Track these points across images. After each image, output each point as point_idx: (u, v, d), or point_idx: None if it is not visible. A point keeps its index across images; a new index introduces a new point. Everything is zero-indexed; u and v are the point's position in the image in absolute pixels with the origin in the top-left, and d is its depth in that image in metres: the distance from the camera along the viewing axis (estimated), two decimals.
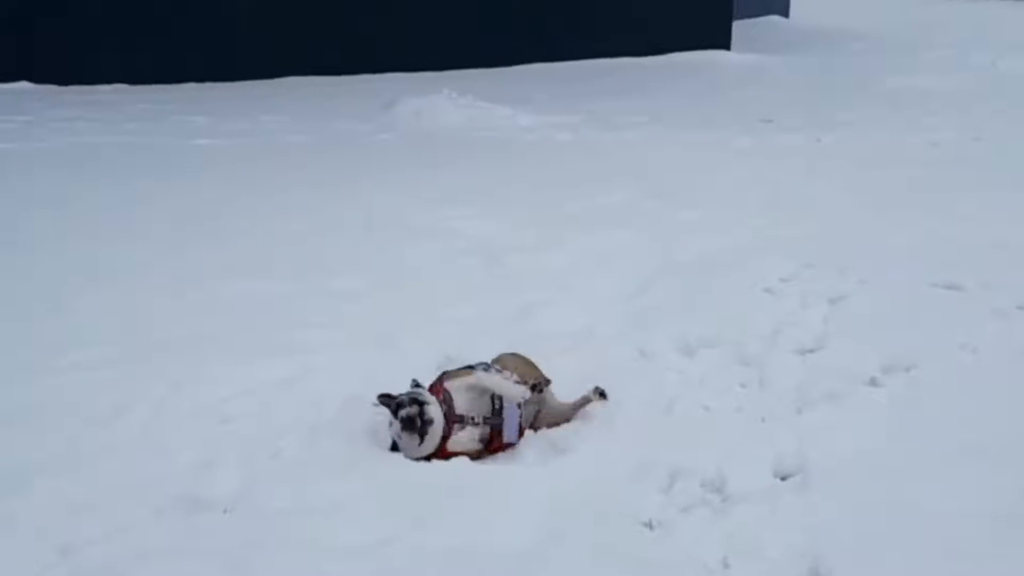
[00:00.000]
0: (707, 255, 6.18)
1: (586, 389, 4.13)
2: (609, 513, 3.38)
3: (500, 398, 3.83)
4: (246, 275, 5.85)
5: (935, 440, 3.80)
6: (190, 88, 13.92)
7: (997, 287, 5.43)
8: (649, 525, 3.34)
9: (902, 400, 4.20)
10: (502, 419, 3.83)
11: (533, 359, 4.16)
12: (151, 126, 10.84)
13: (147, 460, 3.72)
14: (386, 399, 3.77)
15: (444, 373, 3.98)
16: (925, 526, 3.24)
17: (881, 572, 3.04)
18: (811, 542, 3.16)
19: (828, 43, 20.46)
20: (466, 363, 4.09)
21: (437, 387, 3.83)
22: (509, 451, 3.85)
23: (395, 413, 3.70)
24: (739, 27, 19.44)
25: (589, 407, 4.09)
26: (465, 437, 3.77)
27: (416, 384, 3.88)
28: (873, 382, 4.36)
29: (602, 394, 4.12)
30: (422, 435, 3.69)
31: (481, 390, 3.82)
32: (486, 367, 3.97)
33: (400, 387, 3.84)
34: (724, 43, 18.12)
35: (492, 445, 3.83)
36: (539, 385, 4.00)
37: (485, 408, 3.82)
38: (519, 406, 3.86)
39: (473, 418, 3.79)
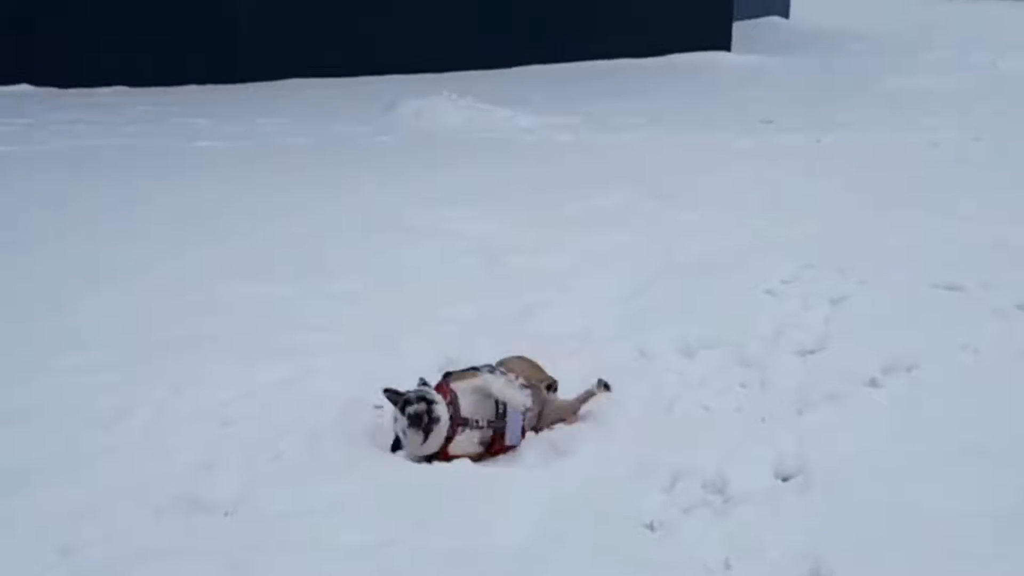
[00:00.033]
0: (707, 256, 6.18)
1: (589, 383, 4.14)
2: (610, 514, 3.37)
3: (504, 403, 3.83)
4: (246, 276, 5.85)
5: (936, 441, 3.80)
6: (191, 90, 13.92)
7: (997, 287, 5.42)
8: (650, 526, 3.34)
9: (903, 401, 4.20)
10: (505, 423, 3.82)
11: (539, 361, 4.16)
12: (151, 128, 10.84)
13: (147, 461, 3.72)
14: (393, 395, 3.76)
15: (449, 374, 3.97)
16: (926, 527, 3.24)
17: (882, 573, 3.04)
18: (812, 543, 3.16)
19: (828, 44, 20.45)
20: (468, 364, 4.09)
21: (443, 387, 3.82)
22: (510, 453, 3.84)
23: (402, 409, 3.69)
24: (739, 28, 19.44)
25: (594, 400, 4.10)
26: (467, 440, 3.76)
27: (423, 383, 3.88)
28: (874, 383, 4.36)
29: (606, 386, 4.13)
30: (427, 432, 3.68)
31: (486, 393, 3.82)
32: (491, 369, 3.96)
33: (401, 388, 3.84)
34: (724, 44, 18.11)
35: (493, 448, 3.83)
36: (553, 384, 4.03)
37: (489, 412, 3.81)
38: (523, 414, 3.85)
39: (477, 421, 3.78)
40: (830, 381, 4.31)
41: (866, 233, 6.63)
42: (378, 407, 4.06)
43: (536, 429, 3.96)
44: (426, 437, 3.68)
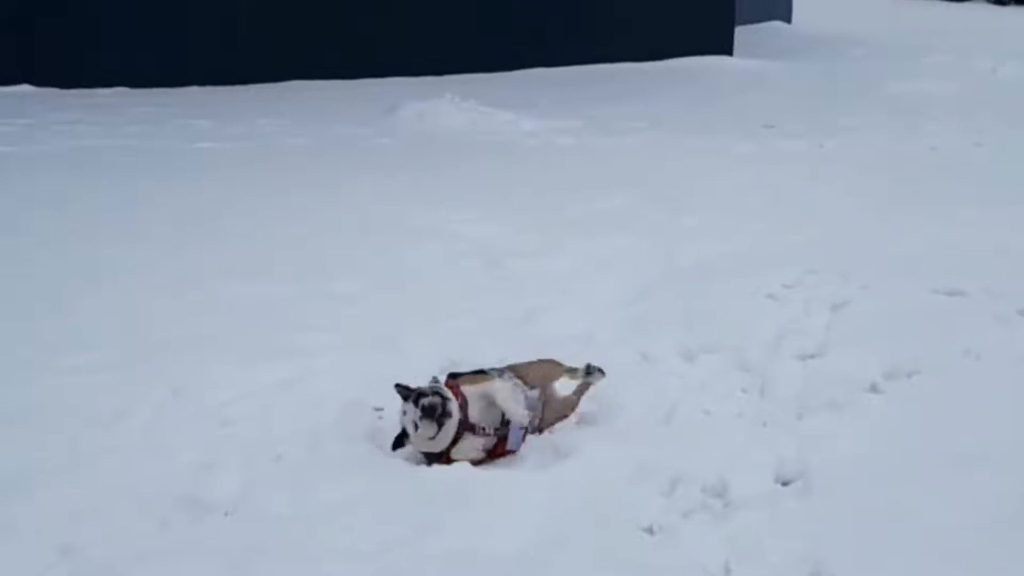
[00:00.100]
0: (709, 260, 6.17)
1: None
2: (610, 518, 3.37)
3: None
4: (246, 277, 5.84)
5: (937, 446, 3.79)
6: (192, 91, 13.91)
7: (999, 293, 5.42)
8: (650, 530, 3.33)
9: (904, 406, 4.20)
10: (508, 430, 3.82)
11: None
12: (152, 129, 10.84)
13: (147, 461, 3.71)
14: (404, 390, 3.75)
15: (454, 375, 3.95)
16: (926, 532, 3.24)
17: None
18: (812, 548, 3.16)
19: (830, 49, 20.44)
20: (470, 367, 4.08)
21: (455, 389, 3.81)
22: (510, 456, 3.84)
23: (415, 401, 3.68)
24: (741, 33, 19.43)
25: (592, 391, 4.11)
26: (471, 445, 3.75)
27: (435, 380, 3.87)
28: (875, 388, 4.35)
29: (599, 371, 4.14)
30: (440, 425, 3.67)
31: (492, 401, 3.80)
32: (500, 373, 3.95)
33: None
34: (726, 49, 18.10)
35: (495, 451, 3.82)
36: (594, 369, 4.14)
37: (495, 419, 3.80)
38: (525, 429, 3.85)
39: (484, 428, 3.77)
40: (831, 386, 4.31)
41: (868, 238, 6.63)
42: (378, 409, 4.06)
43: (538, 430, 3.95)
44: (439, 429, 3.67)
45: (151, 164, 9.16)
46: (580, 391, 4.12)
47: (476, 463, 3.74)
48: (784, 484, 3.59)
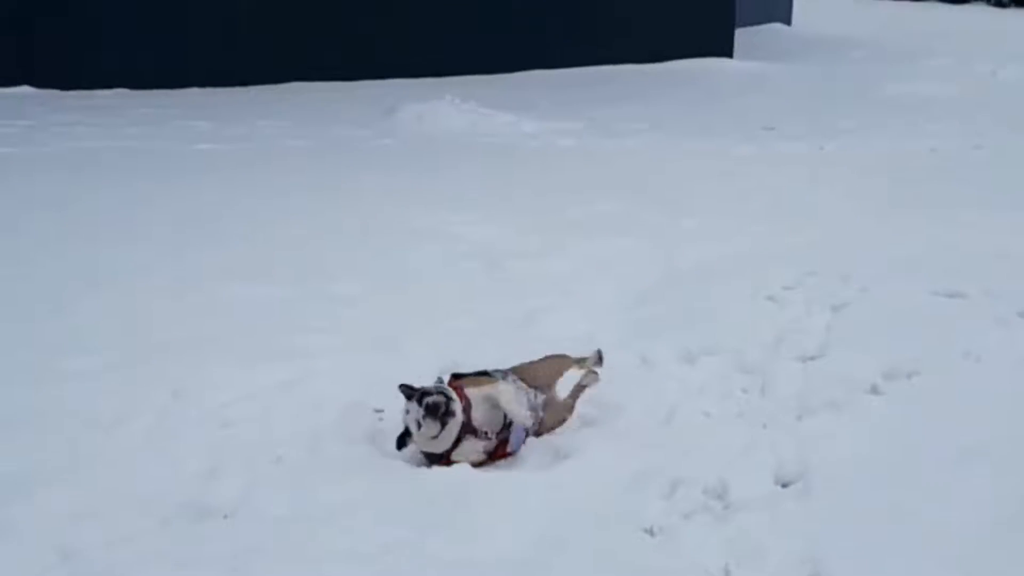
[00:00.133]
0: (709, 262, 6.18)
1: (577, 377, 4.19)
2: (610, 519, 3.37)
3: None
4: (246, 278, 5.84)
5: (936, 448, 3.80)
6: (192, 93, 13.91)
7: (999, 295, 5.42)
8: (650, 531, 3.33)
9: (903, 408, 4.20)
10: (510, 433, 3.82)
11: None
12: (152, 131, 10.84)
13: (148, 464, 3.71)
14: (408, 389, 3.75)
15: (458, 375, 3.95)
16: (926, 533, 3.24)
17: None
18: (812, 549, 3.16)
19: (830, 51, 20.45)
20: (471, 368, 4.08)
21: (459, 390, 3.80)
22: (510, 458, 3.84)
23: (419, 400, 3.68)
24: (741, 35, 19.44)
25: (588, 393, 4.10)
26: (472, 448, 3.75)
27: (440, 381, 3.87)
28: (875, 389, 4.36)
29: (598, 358, 4.21)
30: (443, 424, 3.67)
31: (495, 404, 3.80)
32: (503, 375, 3.95)
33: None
34: (727, 51, 18.11)
35: (496, 454, 3.82)
36: (593, 359, 4.25)
37: (498, 423, 3.80)
38: (526, 431, 3.85)
39: (486, 432, 3.77)
40: (831, 388, 4.31)
41: (868, 240, 6.64)
42: (379, 410, 4.06)
43: (538, 433, 3.95)
44: (442, 427, 3.67)
45: (151, 165, 9.16)
46: (575, 394, 4.12)
47: (476, 465, 3.74)
48: (784, 485, 3.59)
